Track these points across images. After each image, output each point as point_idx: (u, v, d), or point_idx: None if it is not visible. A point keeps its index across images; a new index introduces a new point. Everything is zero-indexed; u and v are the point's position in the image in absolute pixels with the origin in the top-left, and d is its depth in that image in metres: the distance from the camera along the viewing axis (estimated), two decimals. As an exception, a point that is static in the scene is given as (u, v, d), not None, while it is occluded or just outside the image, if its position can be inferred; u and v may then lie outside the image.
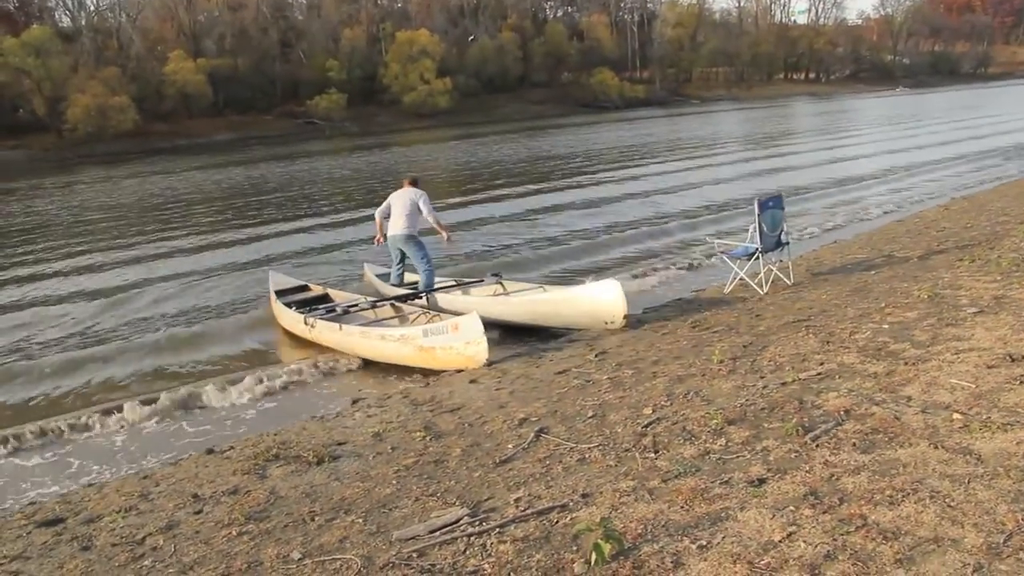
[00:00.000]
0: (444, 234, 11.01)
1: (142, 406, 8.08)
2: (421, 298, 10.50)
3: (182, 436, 7.41)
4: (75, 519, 5.27)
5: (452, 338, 8.22)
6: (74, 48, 66.22)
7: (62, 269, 16.24)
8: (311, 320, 9.77)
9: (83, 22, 73.24)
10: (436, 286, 10.80)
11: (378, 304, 10.45)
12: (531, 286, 10.72)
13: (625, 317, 8.91)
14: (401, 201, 10.76)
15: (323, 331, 9.60)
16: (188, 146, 58.81)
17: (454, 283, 11.23)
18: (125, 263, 16.46)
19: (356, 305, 10.35)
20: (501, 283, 10.92)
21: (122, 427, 7.72)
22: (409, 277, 11.33)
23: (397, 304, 10.44)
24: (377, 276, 12.03)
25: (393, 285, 11.20)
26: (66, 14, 75.64)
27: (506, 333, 9.49)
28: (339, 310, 10.15)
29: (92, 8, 75.59)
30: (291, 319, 10.33)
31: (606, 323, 8.99)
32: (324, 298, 11.33)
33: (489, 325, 8.57)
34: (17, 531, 5.20)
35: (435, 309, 10.15)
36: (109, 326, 11.70)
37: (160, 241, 19.18)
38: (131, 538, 4.74)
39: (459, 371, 8.14)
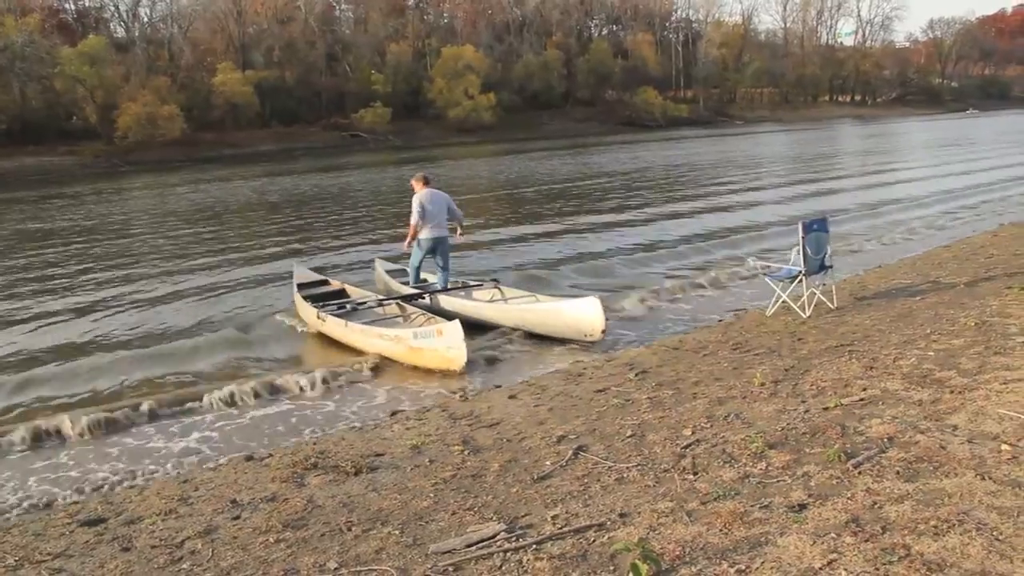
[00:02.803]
0: (460, 230, 11.97)
1: (182, 410, 8.20)
2: (425, 298, 11.16)
3: (221, 443, 7.48)
4: (116, 520, 5.33)
5: (437, 341, 9.08)
6: (127, 58, 67.76)
7: (117, 270, 16.54)
8: (323, 315, 10.60)
9: (136, 33, 74.87)
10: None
11: (385, 303, 11.24)
12: (525, 294, 11.49)
13: (603, 332, 9.70)
14: (436, 204, 11.30)
15: (332, 325, 10.47)
16: (234, 156, 59.60)
17: (458, 285, 11.87)
18: (175, 266, 16.78)
19: (365, 303, 11.16)
20: (499, 288, 11.65)
21: (162, 431, 7.80)
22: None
23: (402, 304, 11.11)
24: (387, 272, 12.80)
25: (411, 284, 11.73)
26: (120, 25, 77.49)
27: (541, 344, 9.99)
28: (349, 307, 10.89)
29: (145, 19, 77.34)
30: (306, 311, 11.18)
31: (585, 335, 9.78)
32: (341, 293, 12.12)
33: (484, 326, 10.32)
34: (61, 529, 5.27)
35: (437, 310, 10.81)
36: (153, 327, 11.92)
37: (211, 245, 19.60)
38: (170, 541, 4.78)
39: (442, 371, 9.00)
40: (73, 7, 77.36)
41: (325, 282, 12.79)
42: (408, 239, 11.52)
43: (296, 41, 76.89)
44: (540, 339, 10.13)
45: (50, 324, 12.48)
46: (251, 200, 31.42)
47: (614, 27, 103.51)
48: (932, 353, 6.47)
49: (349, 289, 12.28)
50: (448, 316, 10.03)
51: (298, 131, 69.43)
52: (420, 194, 11.26)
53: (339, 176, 40.18)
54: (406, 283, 12.14)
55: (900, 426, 4.84)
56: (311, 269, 13.80)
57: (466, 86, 75.63)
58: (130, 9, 76.22)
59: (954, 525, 3.54)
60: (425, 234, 11.28)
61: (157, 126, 59.47)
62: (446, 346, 9.00)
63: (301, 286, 12.26)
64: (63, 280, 16.05)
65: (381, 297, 11.49)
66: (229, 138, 64.71)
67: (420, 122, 75.68)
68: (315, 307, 10.93)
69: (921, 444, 4.51)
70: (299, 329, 11.35)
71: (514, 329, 10.38)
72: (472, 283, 11.97)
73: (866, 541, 3.51)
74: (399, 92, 76.03)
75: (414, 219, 11.25)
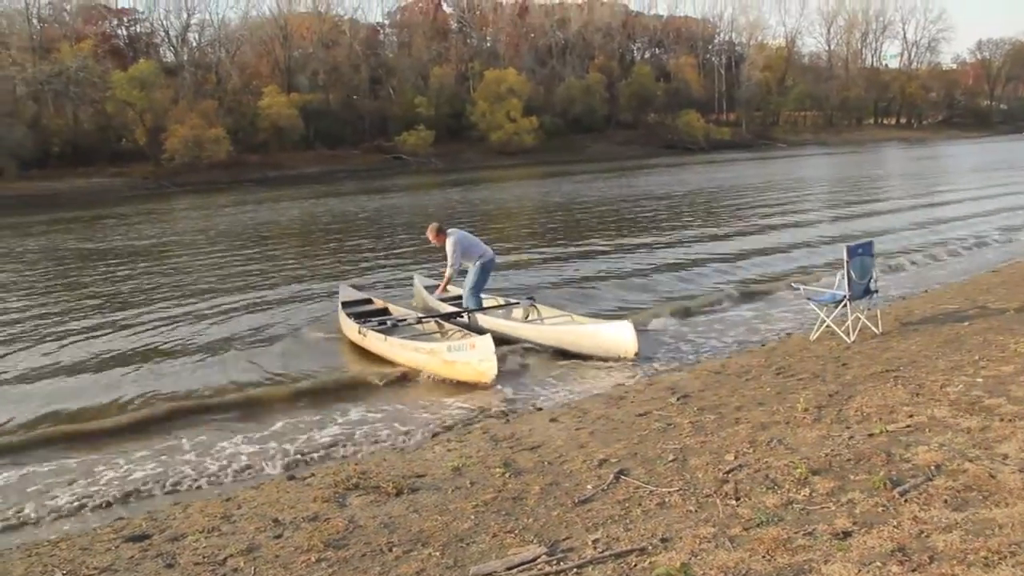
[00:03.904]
0: None
1: (224, 431, 8.30)
2: (463, 316, 11.50)
3: (264, 461, 7.53)
4: (160, 536, 5.40)
5: (470, 354, 9.45)
6: (175, 82, 69.04)
7: (172, 289, 16.80)
8: (364, 330, 11.06)
9: (185, 57, 76.34)
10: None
11: (424, 320, 11.61)
12: (560, 313, 11.75)
13: (636, 354, 9.99)
14: (467, 239, 11.79)
15: (372, 340, 10.89)
16: (278, 178, 60.30)
17: (495, 303, 12.17)
18: (225, 285, 17.05)
19: (405, 320, 11.60)
20: (535, 307, 11.93)
21: (208, 449, 7.89)
22: (454, 290, 12.45)
23: (441, 321, 11.48)
24: (425, 288, 13.20)
25: (477, 307, 11.82)
26: (170, 50, 79.06)
27: (582, 367, 10.00)
28: (389, 323, 11.38)
29: (194, 44, 78.85)
30: (349, 327, 11.61)
31: (619, 357, 10.05)
32: (383, 311, 12.47)
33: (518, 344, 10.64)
34: (107, 544, 5.35)
35: (474, 328, 11.06)
36: (202, 346, 12.05)
37: (261, 264, 19.97)
38: (213, 558, 4.84)
39: (475, 384, 9.31)
40: (125, 33, 79.30)
41: (368, 301, 13.14)
42: (441, 287, 11.96)
43: (341, 65, 77.86)
44: (579, 361, 10.16)
45: (108, 338, 12.75)
46: (299, 221, 31.83)
47: (656, 50, 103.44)
48: (981, 380, 6.36)
49: (391, 308, 12.61)
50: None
51: (342, 154, 70.05)
52: (450, 240, 11.58)
53: (384, 199, 40.50)
54: (446, 300, 12.47)
55: (948, 454, 4.76)
56: (356, 288, 14.14)
57: (508, 109, 75.88)
58: (179, 34, 77.85)
59: (1005, 557, 3.47)
60: (480, 260, 11.71)
61: (204, 148, 60.36)
62: (478, 359, 9.33)
63: (346, 304, 12.67)
64: (121, 297, 16.36)
65: (421, 315, 11.82)
66: (274, 160, 65.46)
67: (462, 145, 76.03)
68: (357, 323, 11.32)
69: (970, 472, 4.43)
70: (342, 348, 11.56)
71: (549, 348, 10.58)
72: (511, 301, 12.23)
73: (913, 571, 3.45)
74: (442, 115, 76.48)
75: (451, 271, 11.70)
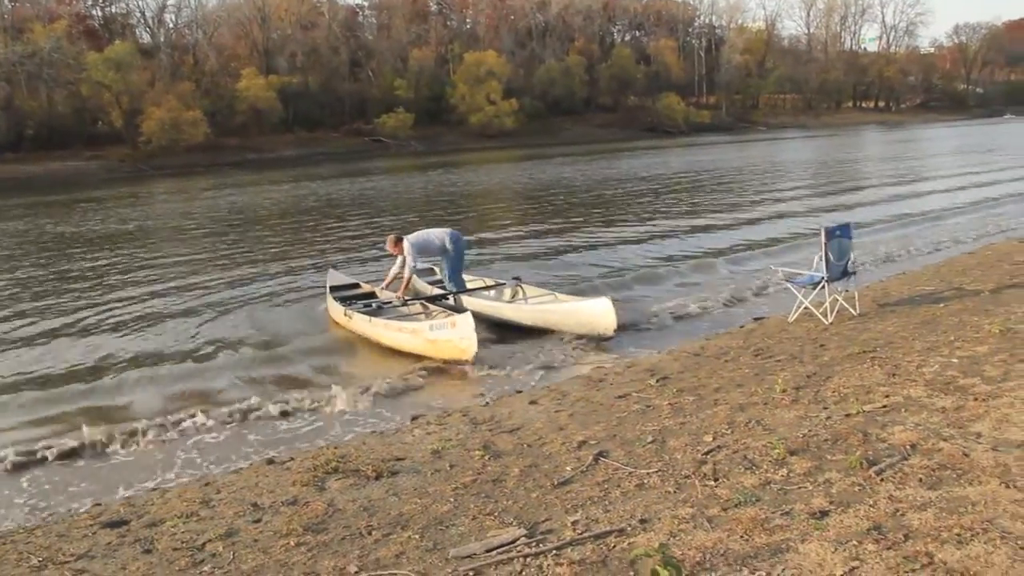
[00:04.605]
0: None
1: (206, 415, 8.24)
2: (448, 299, 11.60)
3: (244, 446, 7.52)
4: (138, 522, 5.37)
5: (451, 333, 9.66)
6: (152, 63, 68.30)
7: (144, 279, 16.66)
8: (349, 312, 11.27)
9: (162, 38, 75.47)
10: (467, 284, 12.14)
11: (410, 303, 11.72)
12: (544, 292, 11.94)
13: (615, 330, 10.20)
14: (424, 236, 11.73)
15: (357, 322, 11.09)
16: (257, 160, 59.94)
17: (481, 284, 12.44)
18: (207, 271, 16.89)
19: (391, 302, 11.66)
20: (521, 287, 12.14)
21: (185, 435, 7.85)
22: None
23: (426, 304, 11.52)
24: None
25: (461, 288, 11.93)
26: (146, 31, 78.14)
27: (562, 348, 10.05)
28: (374, 305, 11.49)
29: (171, 25, 77.96)
30: (335, 310, 11.90)
31: (600, 333, 10.25)
32: (370, 295, 12.61)
33: (505, 325, 10.88)
34: (84, 530, 5.32)
35: (459, 310, 10.99)
36: (184, 334, 11.95)
37: (244, 249, 19.86)
38: (192, 543, 4.82)
39: (457, 361, 9.54)
40: (100, 13, 78.33)
41: (356, 285, 13.29)
42: (402, 289, 11.74)
43: (320, 47, 77.27)
44: (560, 343, 10.18)
45: (89, 332, 12.52)
46: (280, 205, 31.58)
47: (636, 33, 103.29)
48: (956, 360, 6.42)
49: (378, 292, 12.65)
50: None
51: (321, 136, 69.71)
52: (406, 246, 11.48)
53: (365, 181, 40.32)
54: (433, 283, 12.68)
55: (923, 433, 4.80)
56: (344, 273, 14.19)
57: (488, 92, 75.63)
58: (156, 15, 77.00)
59: (978, 533, 3.51)
60: (451, 247, 11.69)
61: (181, 131, 59.85)
62: (459, 336, 9.54)
63: (334, 288, 12.84)
64: (101, 287, 16.09)
65: (407, 298, 11.87)
66: (252, 143, 65.04)
67: (442, 128, 75.74)
68: (343, 306, 11.49)
69: (944, 451, 4.48)
70: (329, 331, 11.66)
71: (532, 327, 10.70)
72: (499, 281, 12.42)
73: (888, 549, 3.48)
74: (421, 98, 76.17)
75: (408, 271, 11.62)
